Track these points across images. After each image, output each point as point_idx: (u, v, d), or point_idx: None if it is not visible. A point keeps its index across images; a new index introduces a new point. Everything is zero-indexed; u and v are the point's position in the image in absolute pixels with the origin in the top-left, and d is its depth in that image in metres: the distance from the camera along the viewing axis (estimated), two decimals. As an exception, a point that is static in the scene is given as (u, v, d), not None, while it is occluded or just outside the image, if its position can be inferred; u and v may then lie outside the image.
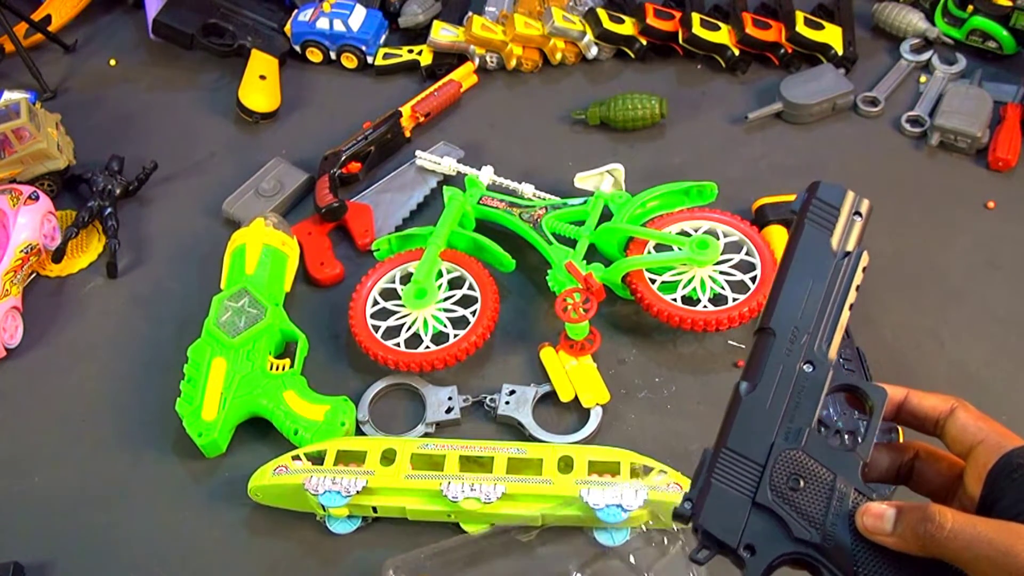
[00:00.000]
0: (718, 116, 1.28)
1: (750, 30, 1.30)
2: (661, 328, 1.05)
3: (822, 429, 0.53)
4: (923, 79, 1.29)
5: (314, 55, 1.40)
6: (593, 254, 1.09)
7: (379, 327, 1.06)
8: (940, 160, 1.21)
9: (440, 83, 1.32)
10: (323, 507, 0.91)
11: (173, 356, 1.05)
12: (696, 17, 1.31)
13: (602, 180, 1.15)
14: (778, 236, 1.09)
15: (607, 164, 1.15)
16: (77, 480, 1.00)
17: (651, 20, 1.32)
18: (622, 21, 1.34)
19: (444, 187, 1.15)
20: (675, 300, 1.03)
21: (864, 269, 0.56)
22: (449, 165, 1.22)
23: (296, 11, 1.40)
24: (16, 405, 1.08)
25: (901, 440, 0.90)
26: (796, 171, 1.21)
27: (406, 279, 1.09)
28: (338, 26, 1.37)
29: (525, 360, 1.06)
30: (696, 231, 1.08)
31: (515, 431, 1.01)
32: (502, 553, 0.90)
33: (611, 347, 1.06)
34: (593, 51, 1.35)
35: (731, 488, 0.51)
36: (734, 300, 1.02)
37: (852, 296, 0.55)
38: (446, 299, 1.08)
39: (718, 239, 1.05)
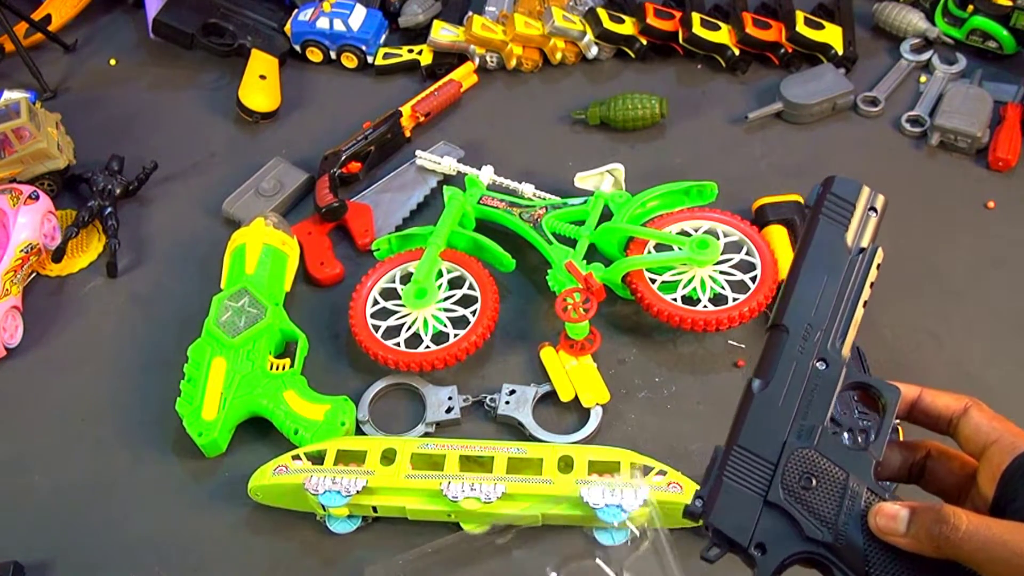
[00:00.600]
0: (718, 116, 1.28)
1: (750, 30, 1.30)
2: (661, 328, 1.05)
3: (834, 428, 0.52)
4: (923, 79, 1.29)
5: (314, 55, 1.40)
6: (593, 254, 1.09)
7: (379, 327, 1.06)
8: (940, 160, 1.21)
9: (440, 83, 1.32)
10: (323, 507, 0.91)
11: (173, 356, 1.05)
12: (696, 17, 1.31)
13: (602, 180, 1.15)
14: (778, 236, 1.09)
15: (607, 164, 1.15)
16: (77, 480, 1.00)
17: (651, 20, 1.32)
18: (622, 21, 1.34)
19: (444, 187, 1.15)
20: (675, 300, 1.03)
21: (879, 266, 0.55)
22: (449, 165, 1.22)
23: (296, 11, 1.40)
24: (16, 405, 1.08)
25: (901, 438, 0.90)
26: (796, 171, 1.21)
27: (406, 279, 1.09)
28: (338, 26, 1.37)
29: (525, 360, 1.06)
30: (696, 231, 1.08)
31: (515, 431, 1.01)
32: (479, 556, 0.90)
33: (611, 347, 1.06)
34: (593, 51, 1.35)
35: (743, 486, 0.51)
36: (734, 300, 1.02)
37: (866, 293, 0.54)
38: (446, 299, 1.08)
39: (718, 239, 1.05)
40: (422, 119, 1.29)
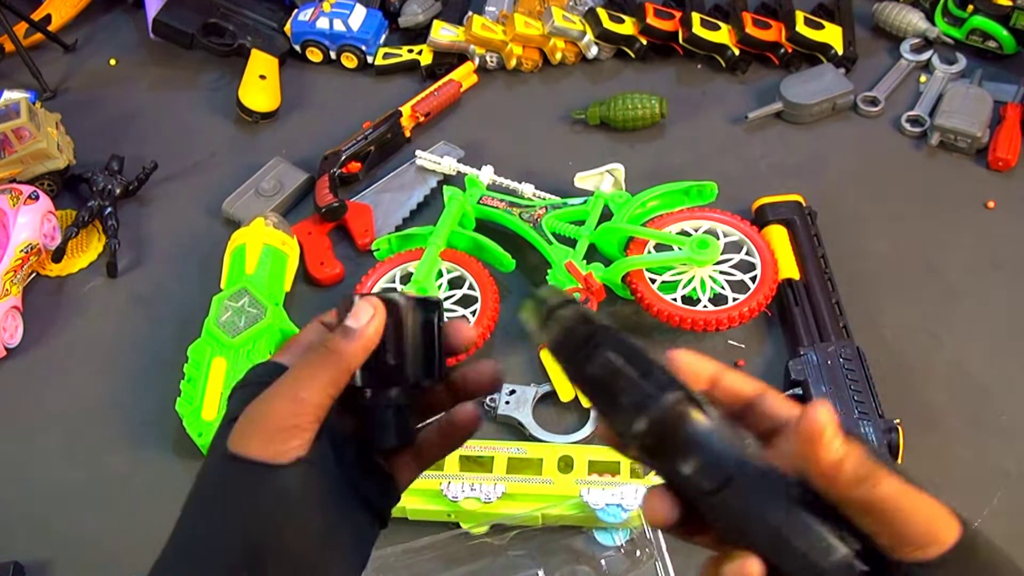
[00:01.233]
0: (718, 116, 1.28)
1: (750, 30, 1.30)
2: (661, 328, 1.05)
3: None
4: (923, 79, 1.29)
5: (314, 55, 1.40)
6: (593, 254, 1.09)
7: (379, 327, 1.06)
8: (940, 160, 1.21)
9: (440, 83, 1.32)
10: (323, 507, 0.91)
11: (173, 356, 1.05)
12: (696, 17, 1.31)
13: (602, 180, 1.15)
14: (778, 236, 1.09)
15: (607, 164, 1.15)
16: (77, 480, 1.00)
17: (651, 20, 1.32)
18: (622, 21, 1.34)
19: (444, 187, 1.15)
20: (675, 300, 1.03)
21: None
22: (449, 165, 1.22)
23: (296, 11, 1.40)
24: (16, 405, 1.08)
25: (901, 438, 0.90)
26: (796, 171, 1.21)
27: (406, 279, 1.09)
28: (338, 26, 1.37)
29: (525, 360, 1.06)
30: (696, 231, 1.08)
31: (515, 431, 1.01)
32: (472, 556, 0.90)
33: (611, 347, 1.06)
34: (593, 51, 1.35)
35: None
36: (734, 300, 1.02)
37: None
38: (446, 299, 1.08)
39: (718, 239, 1.05)
40: (422, 119, 1.29)
